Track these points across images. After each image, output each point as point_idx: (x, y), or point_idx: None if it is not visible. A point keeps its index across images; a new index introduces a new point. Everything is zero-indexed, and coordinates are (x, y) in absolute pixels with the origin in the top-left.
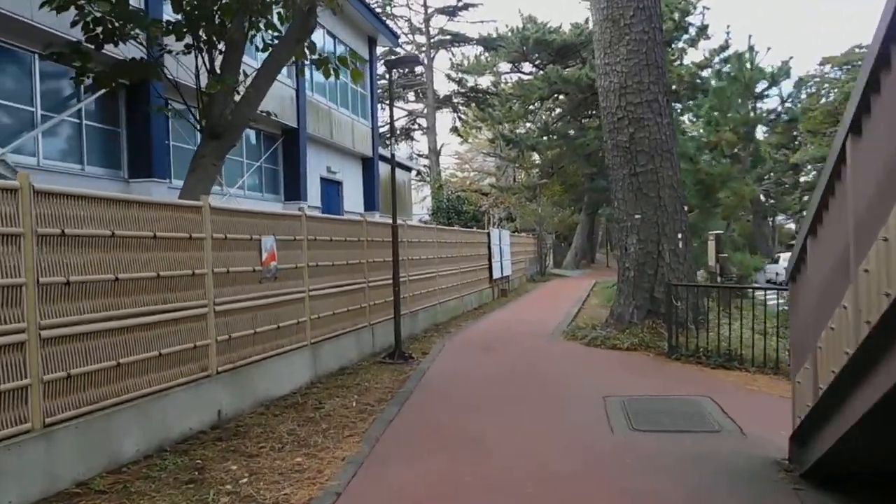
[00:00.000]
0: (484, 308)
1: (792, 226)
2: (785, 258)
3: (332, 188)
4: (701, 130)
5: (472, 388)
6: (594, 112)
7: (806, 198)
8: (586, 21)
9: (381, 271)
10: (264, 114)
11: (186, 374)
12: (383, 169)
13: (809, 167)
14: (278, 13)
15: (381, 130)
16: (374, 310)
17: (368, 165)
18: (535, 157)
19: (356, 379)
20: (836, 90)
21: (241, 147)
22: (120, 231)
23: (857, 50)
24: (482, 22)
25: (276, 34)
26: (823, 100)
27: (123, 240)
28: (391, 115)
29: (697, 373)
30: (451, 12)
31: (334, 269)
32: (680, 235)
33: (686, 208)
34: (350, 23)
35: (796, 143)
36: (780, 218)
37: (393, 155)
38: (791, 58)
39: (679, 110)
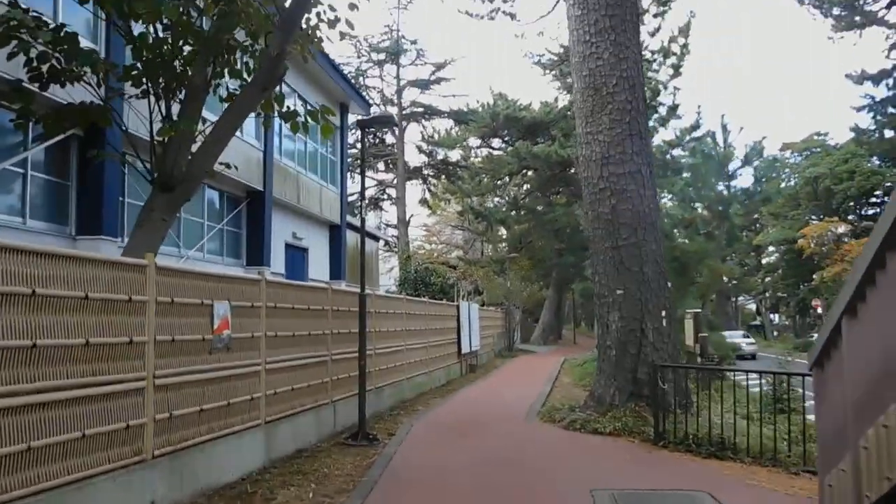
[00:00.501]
0: (452, 384)
1: (752, 306)
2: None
3: (297, 255)
4: (673, 208)
5: (443, 478)
6: (563, 188)
7: (768, 278)
8: (555, 100)
9: (346, 343)
10: (224, 167)
11: (115, 458)
12: (351, 237)
13: (772, 248)
14: (245, 63)
15: (350, 199)
16: (337, 385)
17: (336, 233)
18: (503, 231)
19: (314, 464)
20: (796, 175)
21: (201, 208)
22: (43, 289)
23: (815, 137)
24: (454, 96)
25: (240, 82)
26: (783, 184)
27: (46, 300)
28: (362, 176)
29: (689, 462)
30: (423, 85)
31: (295, 339)
32: (664, 313)
33: (669, 284)
34: (321, 87)
35: (757, 225)
36: (740, 299)
37: (363, 220)
38: (764, 137)
39: None
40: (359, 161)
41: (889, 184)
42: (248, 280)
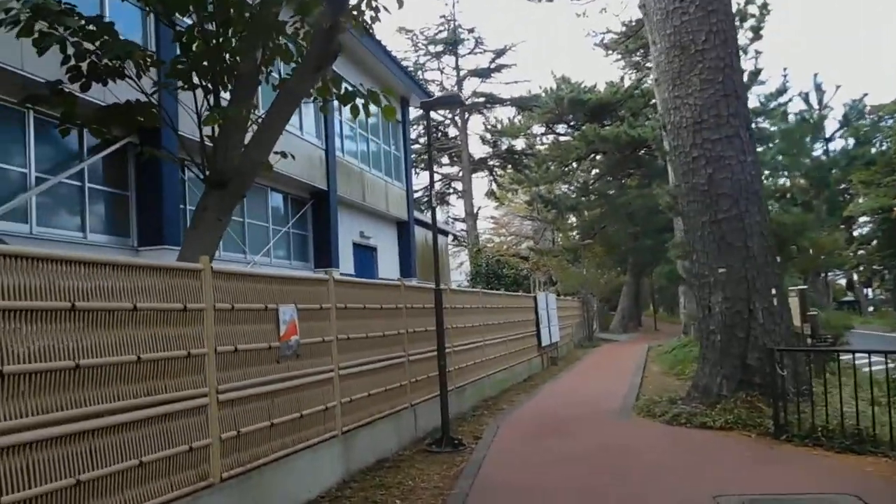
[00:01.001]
0: (535, 379)
1: (842, 281)
2: None
3: (365, 254)
4: (766, 177)
5: (541, 487)
6: (634, 170)
7: (861, 251)
8: (622, 79)
9: (423, 342)
10: (280, 156)
11: (179, 485)
12: (419, 233)
13: (864, 219)
14: (297, 45)
15: (416, 195)
16: (416, 387)
17: (404, 230)
18: (573, 219)
19: (398, 475)
20: (889, 139)
21: (265, 211)
22: (83, 303)
23: None
24: (515, 82)
25: (293, 66)
26: (874, 149)
27: (88, 314)
28: (430, 160)
29: (822, 459)
30: (483, 74)
31: (369, 341)
32: (773, 291)
33: (778, 259)
34: (379, 81)
35: (847, 194)
36: (829, 274)
37: (434, 209)
38: (866, 94)
39: None
40: (424, 156)
41: None
42: (314, 280)
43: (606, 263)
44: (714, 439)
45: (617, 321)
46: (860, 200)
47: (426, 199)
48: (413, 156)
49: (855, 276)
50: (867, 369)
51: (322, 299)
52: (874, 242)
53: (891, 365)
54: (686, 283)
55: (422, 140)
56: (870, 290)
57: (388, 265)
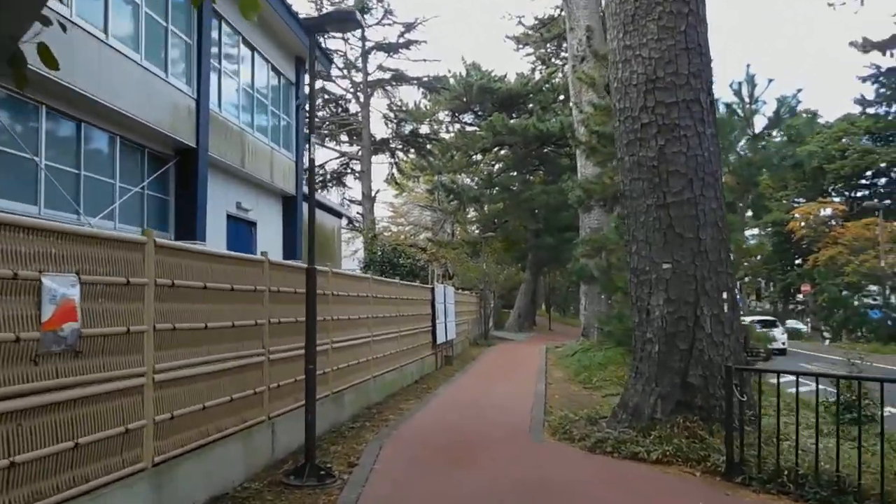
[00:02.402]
0: (428, 382)
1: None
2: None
3: (243, 229)
4: None
5: None
6: (540, 166)
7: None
8: (532, 71)
9: (292, 337)
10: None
11: None
12: (307, 210)
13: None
14: None
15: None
16: (278, 395)
17: (290, 206)
18: (474, 212)
19: None
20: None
21: (112, 165)
22: None
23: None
24: (424, 61)
25: None
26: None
27: None
28: (311, 95)
29: None
30: (391, 48)
31: (209, 334)
32: (725, 295)
33: (731, 256)
34: (275, 37)
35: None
36: None
37: (312, 161)
38: (800, 90)
39: None
40: (320, 127)
41: (884, 164)
42: (115, 241)
43: (506, 259)
44: (650, 476)
45: (513, 319)
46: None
47: (320, 177)
48: (307, 124)
49: (741, 289)
50: (792, 390)
51: (134, 270)
52: (759, 256)
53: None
54: (593, 282)
55: (320, 113)
56: (755, 301)
57: (269, 244)
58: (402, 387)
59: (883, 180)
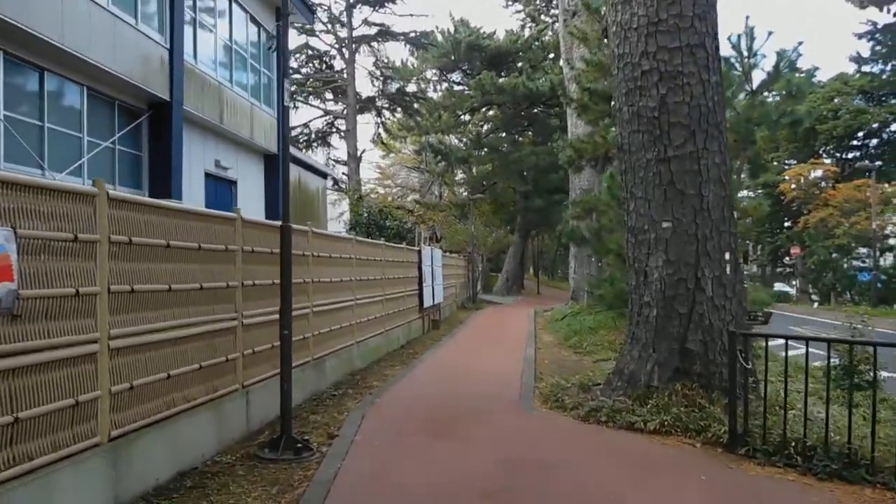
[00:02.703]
0: (415, 346)
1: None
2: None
3: (222, 188)
4: None
5: None
6: (529, 127)
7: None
8: (522, 28)
9: (268, 300)
10: None
11: None
12: (291, 171)
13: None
14: None
15: (294, 131)
16: (254, 362)
17: (272, 164)
18: (462, 174)
19: None
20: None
21: (79, 117)
22: None
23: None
24: (411, 16)
25: None
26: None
27: None
28: (282, 33)
29: (808, 491)
30: (376, 3)
31: (173, 297)
32: (727, 256)
33: (735, 214)
34: None
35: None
36: None
37: (286, 109)
38: (801, 43)
39: None
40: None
41: (876, 124)
42: (68, 193)
43: (494, 222)
44: (648, 448)
45: (501, 283)
46: (744, 175)
47: (304, 137)
48: (294, 87)
49: None
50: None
51: (83, 226)
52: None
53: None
54: (583, 245)
55: (303, 70)
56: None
57: (250, 203)
58: (387, 352)
59: (874, 141)
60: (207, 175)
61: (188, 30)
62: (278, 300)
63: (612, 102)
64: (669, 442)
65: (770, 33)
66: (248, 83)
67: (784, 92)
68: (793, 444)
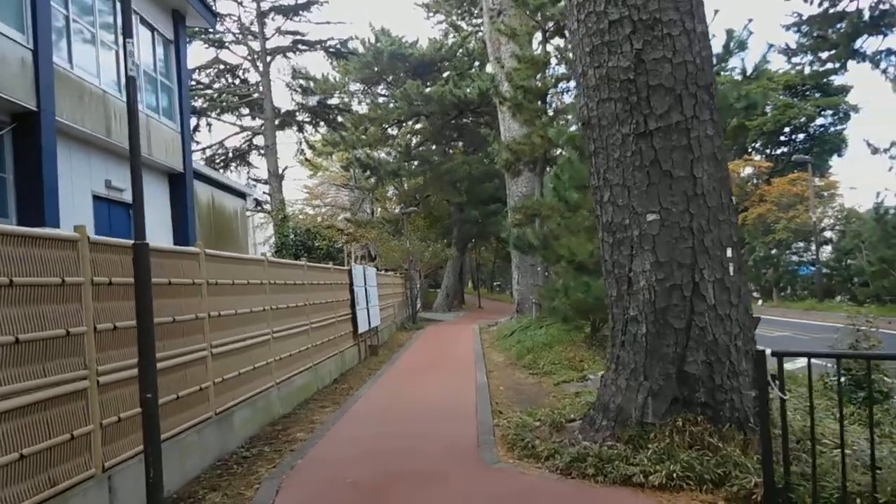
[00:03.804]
0: (349, 380)
1: None
2: None
3: (118, 211)
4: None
5: None
6: (458, 137)
7: None
8: (445, 35)
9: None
10: None
11: None
12: (203, 191)
13: None
14: None
15: (208, 150)
16: (120, 432)
17: (178, 184)
18: (392, 191)
19: None
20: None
21: None
22: None
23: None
24: (328, 23)
25: None
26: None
27: None
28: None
29: None
30: (290, 11)
31: None
32: (730, 252)
33: (734, 199)
34: None
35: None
36: None
37: (132, 80)
38: (751, 20)
39: None
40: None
41: (804, 118)
42: None
43: (430, 236)
44: None
45: (441, 299)
46: None
47: (221, 157)
48: (200, 101)
49: None
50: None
51: None
52: None
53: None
54: (532, 252)
55: (216, 85)
56: None
57: (155, 228)
58: (317, 390)
59: (801, 136)
60: (97, 198)
61: (61, 30)
62: (165, 342)
63: (574, 65)
64: (682, 501)
65: (716, 11)
66: (142, 91)
67: (739, 73)
68: (858, 500)
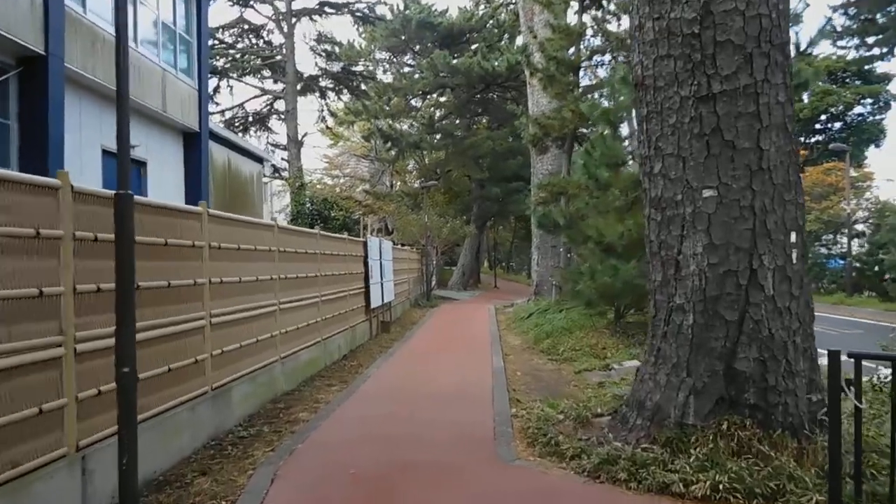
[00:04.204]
0: (360, 356)
1: None
2: None
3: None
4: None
5: None
6: (483, 112)
7: None
8: (476, 4)
9: (145, 308)
10: None
11: None
12: (219, 153)
13: None
14: None
15: (228, 113)
16: (100, 407)
17: (193, 144)
18: (412, 164)
19: None
20: None
21: None
22: None
23: None
24: None
25: None
26: None
27: None
28: None
29: None
30: None
31: None
32: (794, 237)
33: (801, 177)
34: None
35: None
36: None
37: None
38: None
39: None
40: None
41: (842, 105)
42: None
43: (449, 212)
44: None
45: (457, 277)
46: None
47: (240, 120)
48: (222, 62)
49: None
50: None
51: None
52: None
53: None
54: (558, 231)
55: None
56: None
57: (166, 187)
58: (324, 366)
59: (838, 125)
60: (107, 153)
61: None
62: (157, 309)
63: (630, 16)
64: None
65: None
66: (158, 44)
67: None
68: None
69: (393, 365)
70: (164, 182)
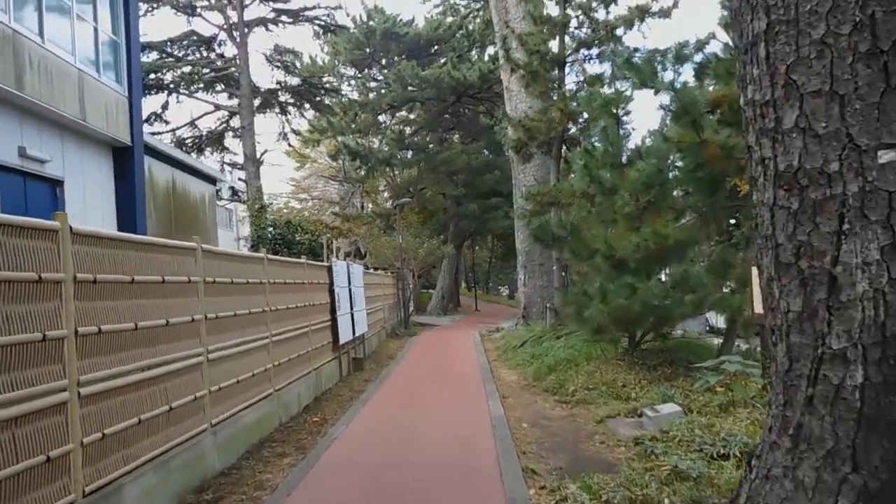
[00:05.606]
0: (326, 407)
1: None
2: None
3: (37, 189)
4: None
5: None
6: (455, 127)
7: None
8: (444, 13)
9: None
10: None
11: None
12: (161, 172)
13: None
14: None
15: (178, 130)
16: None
17: (125, 160)
18: (383, 184)
19: None
20: None
21: None
22: None
23: None
24: (317, 7)
25: None
26: None
27: None
28: None
29: None
30: None
31: None
32: None
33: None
34: None
35: None
36: None
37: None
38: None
39: None
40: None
41: None
42: None
43: (424, 232)
44: None
45: (436, 301)
46: None
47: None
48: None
49: None
50: None
51: None
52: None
53: None
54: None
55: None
56: None
57: (91, 212)
58: (278, 425)
59: None
60: (6, 169)
61: None
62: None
63: None
64: None
65: None
66: (73, 40)
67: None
68: None
69: (366, 417)
70: (90, 204)
